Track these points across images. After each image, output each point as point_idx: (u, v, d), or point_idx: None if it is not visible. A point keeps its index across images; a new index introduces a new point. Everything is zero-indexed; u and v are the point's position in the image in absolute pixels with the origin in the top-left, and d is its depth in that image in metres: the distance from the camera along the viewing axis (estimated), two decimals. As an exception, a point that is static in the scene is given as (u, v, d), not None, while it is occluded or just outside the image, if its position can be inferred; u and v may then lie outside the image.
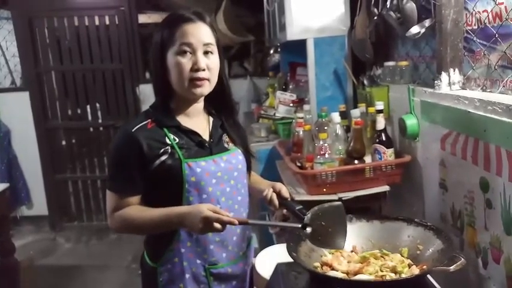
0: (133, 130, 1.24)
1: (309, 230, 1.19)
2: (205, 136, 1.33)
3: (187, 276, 1.29)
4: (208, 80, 1.26)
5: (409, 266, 1.17)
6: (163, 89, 1.29)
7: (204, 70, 1.24)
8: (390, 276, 1.11)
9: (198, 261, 1.30)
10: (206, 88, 1.27)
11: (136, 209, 1.27)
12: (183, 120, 1.31)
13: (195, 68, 1.23)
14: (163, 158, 1.24)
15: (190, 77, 1.23)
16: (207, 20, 1.29)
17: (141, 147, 1.22)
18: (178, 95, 1.29)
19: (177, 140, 1.27)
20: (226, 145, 1.37)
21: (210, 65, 1.25)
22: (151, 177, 1.25)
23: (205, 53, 1.25)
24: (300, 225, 1.19)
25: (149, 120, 1.28)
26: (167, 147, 1.25)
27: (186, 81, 1.24)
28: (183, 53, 1.22)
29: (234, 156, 1.36)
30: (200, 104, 1.35)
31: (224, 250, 1.33)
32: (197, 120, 1.35)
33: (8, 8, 4.18)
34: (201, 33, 1.24)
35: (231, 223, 1.15)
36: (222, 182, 1.30)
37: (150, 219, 1.24)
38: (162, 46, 1.25)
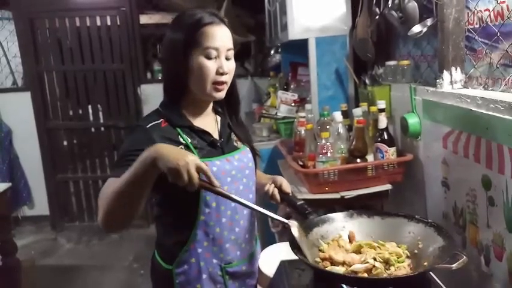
0: (148, 127, 1.23)
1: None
2: (215, 135, 1.33)
3: (204, 276, 1.28)
4: (227, 83, 1.28)
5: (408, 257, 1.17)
6: (177, 88, 1.29)
7: (226, 74, 1.26)
8: (376, 267, 1.11)
9: (215, 261, 1.29)
10: (225, 91, 1.29)
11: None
12: (194, 120, 1.31)
13: (219, 72, 1.24)
14: None
15: (214, 80, 1.24)
16: (226, 21, 1.29)
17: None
18: (191, 94, 1.29)
19: (190, 140, 1.26)
20: (235, 143, 1.38)
21: (230, 69, 1.27)
22: (166, 178, 1.22)
23: (226, 57, 1.27)
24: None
25: (162, 119, 1.26)
26: (181, 147, 1.23)
27: (209, 84, 1.24)
28: (209, 56, 1.23)
29: (245, 155, 1.36)
30: (211, 104, 1.36)
31: (238, 248, 1.33)
32: (207, 119, 1.35)
33: (10, 9, 4.20)
34: (225, 38, 1.26)
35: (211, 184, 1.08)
36: (236, 180, 1.30)
37: (122, 176, 1.07)
38: (184, 46, 1.23)
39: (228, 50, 1.26)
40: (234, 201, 1.14)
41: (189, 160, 1.02)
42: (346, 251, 1.20)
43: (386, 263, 1.13)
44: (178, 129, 1.27)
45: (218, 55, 1.24)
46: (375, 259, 1.13)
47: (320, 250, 1.20)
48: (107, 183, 1.13)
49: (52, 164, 4.35)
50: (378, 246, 1.20)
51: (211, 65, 1.23)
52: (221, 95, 1.28)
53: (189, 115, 1.31)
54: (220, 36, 1.24)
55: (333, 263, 1.16)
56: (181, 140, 1.25)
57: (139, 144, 1.16)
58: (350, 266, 1.13)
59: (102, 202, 1.09)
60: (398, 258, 1.15)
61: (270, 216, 1.18)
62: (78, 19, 4.10)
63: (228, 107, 1.41)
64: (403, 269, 1.12)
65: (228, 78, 1.27)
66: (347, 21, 2.41)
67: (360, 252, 1.19)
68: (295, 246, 1.15)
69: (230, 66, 1.27)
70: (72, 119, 4.34)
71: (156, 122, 1.25)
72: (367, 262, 1.11)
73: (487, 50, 1.45)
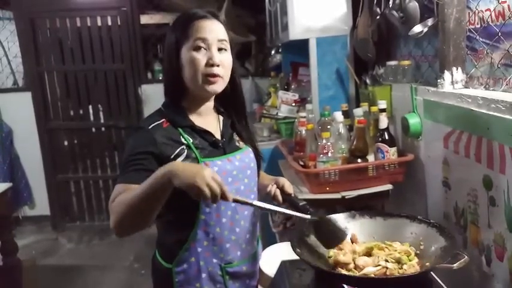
0: (149, 127, 1.23)
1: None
2: (217, 135, 1.33)
3: (203, 275, 1.28)
4: (221, 77, 1.25)
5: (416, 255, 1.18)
6: (176, 88, 1.28)
7: (218, 66, 1.23)
8: (390, 268, 1.11)
9: (215, 261, 1.29)
10: (219, 85, 1.26)
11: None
12: (196, 119, 1.30)
13: (210, 64, 1.22)
14: (181, 158, 1.22)
15: (204, 73, 1.22)
16: (221, 18, 1.29)
17: (158, 145, 1.20)
18: (190, 93, 1.29)
19: (192, 140, 1.26)
20: (237, 144, 1.37)
21: (224, 62, 1.25)
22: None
23: (219, 49, 1.24)
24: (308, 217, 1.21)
25: (164, 119, 1.26)
26: (183, 147, 1.23)
27: (200, 77, 1.22)
28: (198, 48, 1.22)
29: (246, 155, 1.36)
30: (211, 103, 1.35)
31: (239, 248, 1.32)
32: (208, 119, 1.35)
33: (10, 9, 4.20)
34: (215, 29, 1.24)
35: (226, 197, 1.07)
36: (237, 180, 1.30)
37: (138, 188, 1.09)
38: (176, 44, 1.24)
39: (220, 40, 1.24)
40: (252, 206, 1.15)
41: (205, 174, 1.02)
42: (357, 254, 1.20)
43: (398, 262, 1.13)
44: (180, 130, 1.26)
45: (208, 46, 1.22)
46: (386, 260, 1.13)
47: (329, 256, 1.20)
48: (117, 189, 1.15)
49: (53, 164, 4.35)
50: (386, 247, 1.20)
51: (200, 57, 1.21)
52: (214, 88, 1.25)
53: (190, 115, 1.31)
54: (211, 28, 1.23)
55: (338, 262, 1.16)
56: (182, 140, 1.25)
57: (142, 147, 1.19)
58: (362, 269, 1.13)
59: (114, 210, 1.10)
60: (408, 256, 1.16)
61: (291, 214, 1.21)
62: (79, 19, 4.11)
63: (233, 107, 1.40)
64: (412, 267, 1.12)
65: (221, 71, 1.24)
66: (348, 21, 2.41)
67: (370, 255, 1.18)
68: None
69: (223, 58, 1.24)
70: (72, 119, 4.34)
71: (157, 123, 1.25)
72: (379, 265, 1.11)
73: (488, 50, 1.45)
